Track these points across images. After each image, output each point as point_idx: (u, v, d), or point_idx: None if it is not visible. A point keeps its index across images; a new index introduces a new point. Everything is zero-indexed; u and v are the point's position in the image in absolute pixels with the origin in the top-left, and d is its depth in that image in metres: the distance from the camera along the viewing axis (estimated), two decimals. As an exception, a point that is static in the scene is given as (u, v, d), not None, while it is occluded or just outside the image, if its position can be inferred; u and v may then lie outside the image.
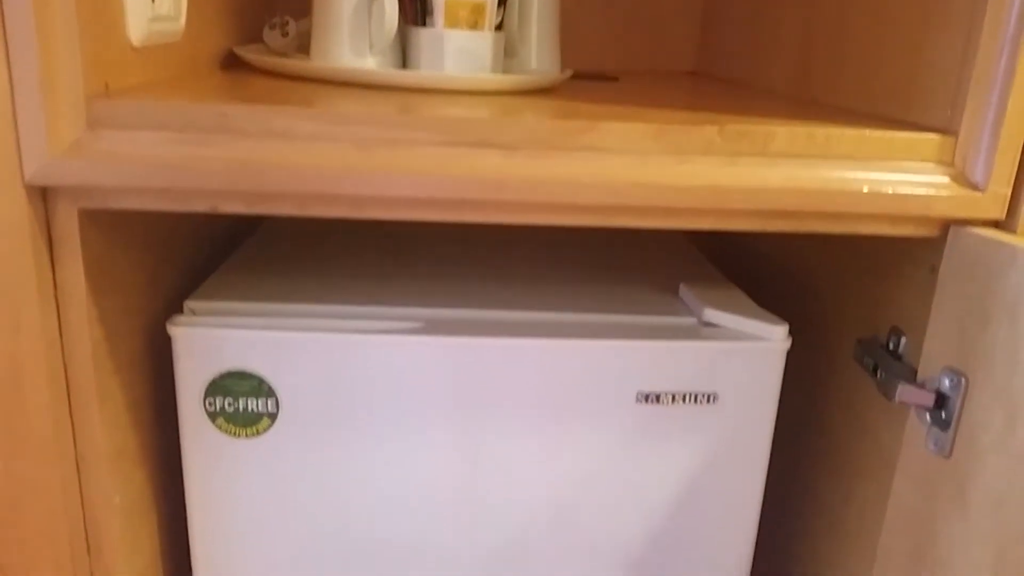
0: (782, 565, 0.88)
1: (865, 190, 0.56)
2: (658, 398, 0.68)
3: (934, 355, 0.60)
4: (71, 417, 0.59)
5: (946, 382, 0.58)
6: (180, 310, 0.67)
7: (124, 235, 0.63)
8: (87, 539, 0.62)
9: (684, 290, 0.75)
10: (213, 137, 0.53)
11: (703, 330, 0.69)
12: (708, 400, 0.68)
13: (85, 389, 0.59)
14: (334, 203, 0.55)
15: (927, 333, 0.61)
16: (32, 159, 0.51)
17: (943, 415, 0.59)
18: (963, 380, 0.56)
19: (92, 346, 0.58)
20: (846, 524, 0.75)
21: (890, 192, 0.56)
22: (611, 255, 0.91)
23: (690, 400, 0.68)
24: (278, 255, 0.84)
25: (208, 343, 0.65)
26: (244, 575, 0.71)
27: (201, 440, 0.68)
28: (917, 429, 0.62)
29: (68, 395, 0.59)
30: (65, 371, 0.58)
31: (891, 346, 0.67)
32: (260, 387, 0.66)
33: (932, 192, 0.56)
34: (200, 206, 0.55)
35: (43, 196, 0.53)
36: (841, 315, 0.77)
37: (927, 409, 0.60)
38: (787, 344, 0.68)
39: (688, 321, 0.71)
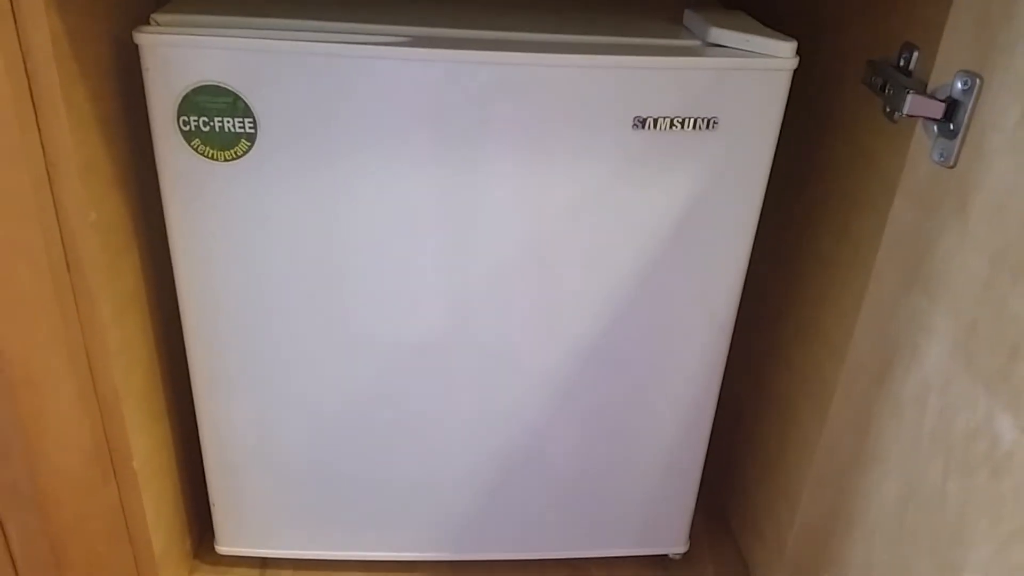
0: (772, 305, 0.89)
1: None
2: (655, 123, 0.65)
3: (948, 60, 0.57)
4: (36, 118, 0.56)
5: (958, 85, 0.55)
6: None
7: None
8: (65, 254, 0.61)
9: (689, 14, 0.70)
10: None
11: (707, 50, 0.65)
12: (708, 126, 0.66)
13: (48, 89, 0.55)
14: None
15: (943, 36, 0.57)
16: None
17: (951, 127, 0.56)
18: (978, 80, 0.54)
19: (52, 39, 0.54)
20: (839, 259, 0.74)
21: None
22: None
23: (689, 125, 0.65)
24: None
25: (177, 54, 0.61)
26: (228, 305, 0.71)
27: (178, 162, 0.65)
28: (921, 146, 0.59)
29: (31, 95, 0.55)
30: (25, 65, 0.54)
31: (901, 64, 0.64)
32: (235, 105, 0.63)
33: None
34: None
35: None
36: (848, 40, 0.73)
37: (935, 121, 0.58)
38: (794, 63, 0.64)
39: (692, 43, 0.67)
